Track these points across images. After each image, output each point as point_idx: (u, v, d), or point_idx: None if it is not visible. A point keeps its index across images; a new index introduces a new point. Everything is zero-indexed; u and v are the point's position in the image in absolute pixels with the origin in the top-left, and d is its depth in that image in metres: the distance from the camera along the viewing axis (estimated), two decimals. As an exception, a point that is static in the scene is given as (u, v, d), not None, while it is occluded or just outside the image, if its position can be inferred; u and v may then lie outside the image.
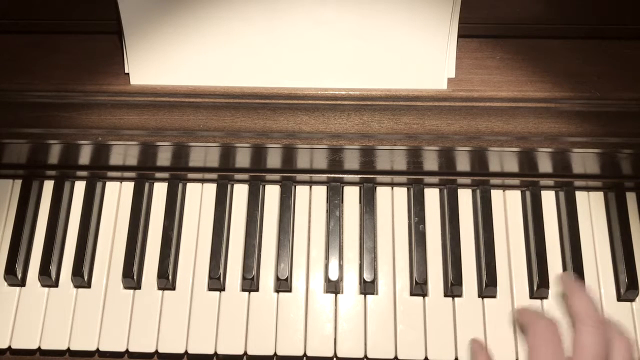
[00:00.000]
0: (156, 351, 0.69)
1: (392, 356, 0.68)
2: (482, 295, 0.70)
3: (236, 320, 0.69)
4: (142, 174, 0.75)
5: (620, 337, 0.60)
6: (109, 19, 0.66)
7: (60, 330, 0.69)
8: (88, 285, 0.72)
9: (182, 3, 0.63)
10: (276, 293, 0.71)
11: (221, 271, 0.71)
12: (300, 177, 0.75)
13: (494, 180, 0.74)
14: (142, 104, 0.67)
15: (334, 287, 0.70)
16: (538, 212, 0.73)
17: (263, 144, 0.68)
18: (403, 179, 0.75)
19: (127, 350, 0.69)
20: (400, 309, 0.70)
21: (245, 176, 0.75)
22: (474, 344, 0.67)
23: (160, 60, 0.66)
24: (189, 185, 0.76)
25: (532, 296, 0.70)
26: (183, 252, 0.73)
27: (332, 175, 0.74)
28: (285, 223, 0.73)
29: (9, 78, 0.67)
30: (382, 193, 0.75)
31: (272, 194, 0.75)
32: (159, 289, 0.71)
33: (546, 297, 0.70)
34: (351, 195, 0.75)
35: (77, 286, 0.72)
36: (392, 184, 0.76)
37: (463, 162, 0.71)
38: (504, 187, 0.75)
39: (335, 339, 0.69)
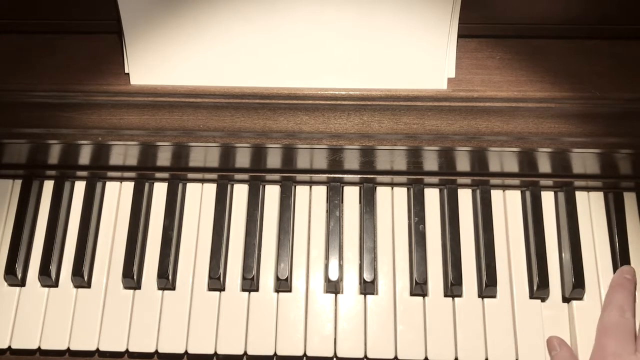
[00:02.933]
0: (156, 351, 0.69)
1: (392, 356, 0.68)
2: (482, 295, 0.70)
3: (236, 320, 0.69)
4: (142, 174, 0.75)
5: None
6: (109, 19, 0.66)
7: (60, 330, 0.69)
8: (88, 285, 0.72)
9: (182, 3, 0.63)
10: (276, 293, 0.71)
11: (221, 271, 0.71)
12: (300, 177, 0.75)
13: (494, 180, 0.74)
14: (142, 104, 0.67)
15: (334, 287, 0.70)
16: (538, 212, 0.73)
17: (263, 144, 0.68)
18: (403, 179, 0.75)
19: (127, 350, 0.69)
20: (400, 309, 0.70)
21: (245, 176, 0.75)
22: (553, 340, 0.67)
23: (160, 60, 0.66)
24: (189, 185, 0.76)
25: (532, 296, 0.70)
26: (183, 252, 0.73)
27: (332, 175, 0.74)
28: (285, 223, 0.73)
29: (9, 78, 0.67)
30: (382, 193, 0.75)
31: (272, 194, 0.75)
32: (159, 289, 0.71)
33: (546, 297, 0.70)
34: (351, 195, 0.75)
35: (77, 286, 0.72)
36: (392, 184, 0.75)
37: (463, 162, 0.71)
38: (504, 187, 0.75)
39: (335, 339, 0.69)
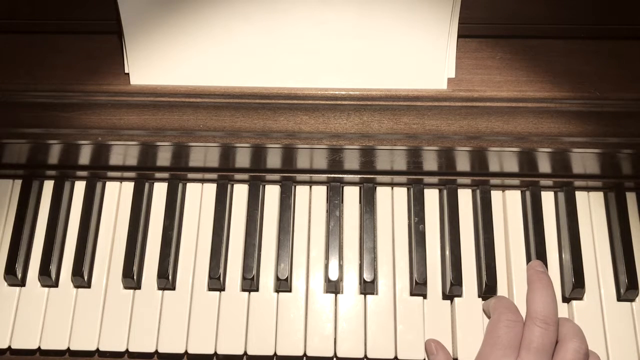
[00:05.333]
0: (156, 351, 0.69)
1: (392, 356, 0.68)
2: (482, 295, 0.70)
3: (236, 320, 0.69)
4: (142, 174, 0.75)
5: (573, 339, 0.61)
6: (109, 19, 0.66)
7: (60, 330, 0.69)
8: (88, 285, 0.72)
9: (182, 3, 0.63)
10: (276, 293, 0.71)
11: (221, 271, 0.71)
12: (300, 177, 0.75)
13: (493, 180, 0.74)
14: (142, 104, 0.67)
15: (334, 287, 0.70)
16: (538, 212, 0.73)
17: (263, 144, 0.68)
18: (403, 179, 0.75)
19: (127, 350, 0.69)
20: (400, 309, 0.70)
21: (245, 176, 0.75)
22: (431, 343, 0.67)
23: (160, 60, 0.66)
24: (189, 185, 0.76)
25: (532, 296, 0.70)
26: (183, 252, 0.73)
27: (332, 175, 0.74)
28: (285, 223, 0.73)
29: (9, 78, 0.67)
30: (382, 193, 0.75)
31: (272, 194, 0.75)
32: (159, 289, 0.71)
33: (546, 297, 0.70)
34: (351, 195, 0.75)
35: (77, 286, 0.72)
36: (392, 184, 0.76)
37: (463, 162, 0.71)
38: (504, 187, 0.75)
39: (335, 339, 0.69)
